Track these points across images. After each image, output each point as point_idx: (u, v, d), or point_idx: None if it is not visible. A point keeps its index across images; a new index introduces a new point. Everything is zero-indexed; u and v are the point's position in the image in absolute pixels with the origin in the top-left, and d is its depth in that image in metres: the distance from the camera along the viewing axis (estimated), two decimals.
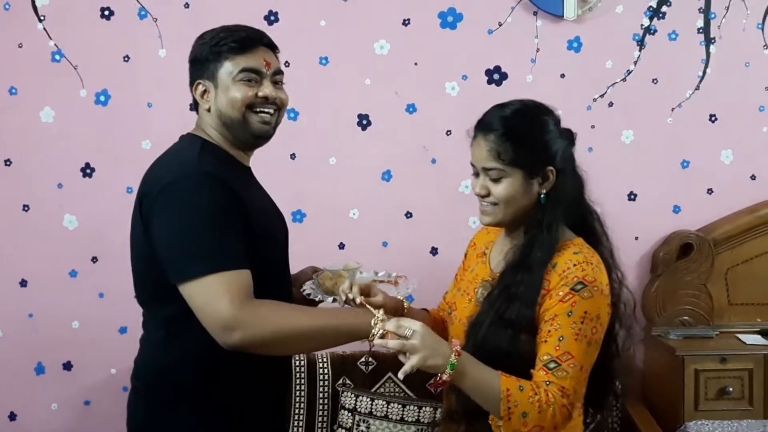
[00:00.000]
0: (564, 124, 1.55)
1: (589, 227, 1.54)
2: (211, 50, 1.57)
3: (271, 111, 1.60)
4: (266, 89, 1.58)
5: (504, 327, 1.44)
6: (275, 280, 1.62)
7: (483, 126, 1.49)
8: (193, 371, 1.55)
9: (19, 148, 2.56)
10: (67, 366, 2.63)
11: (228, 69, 1.56)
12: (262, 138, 1.63)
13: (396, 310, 1.58)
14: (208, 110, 1.60)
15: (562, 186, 1.47)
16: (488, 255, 1.63)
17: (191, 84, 1.62)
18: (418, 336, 1.33)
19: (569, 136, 1.51)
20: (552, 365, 1.39)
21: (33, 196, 2.57)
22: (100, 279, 2.58)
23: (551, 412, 1.36)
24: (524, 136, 1.46)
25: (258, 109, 1.58)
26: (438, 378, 1.35)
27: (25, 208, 2.57)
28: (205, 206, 1.48)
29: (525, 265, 1.45)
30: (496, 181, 1.46)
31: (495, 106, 1.52)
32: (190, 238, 1.47)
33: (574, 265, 1.42)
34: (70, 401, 2.64)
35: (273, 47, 1.64)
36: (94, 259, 2.60)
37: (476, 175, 1.51)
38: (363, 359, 2.52)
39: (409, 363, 1.33)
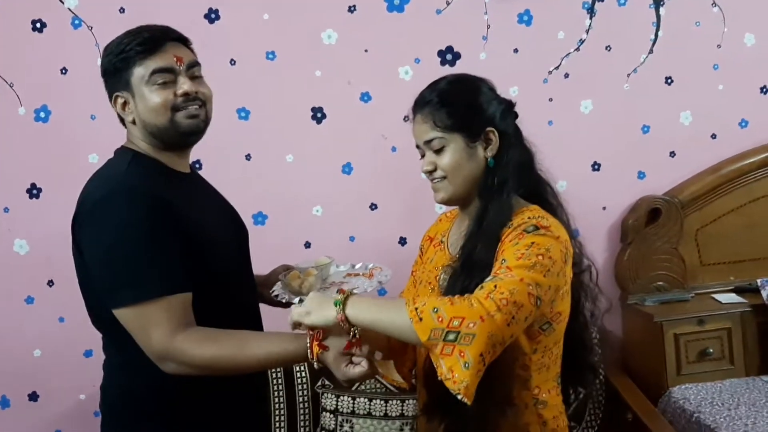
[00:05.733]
0: (522, 99, 1.53)
1: (543, 198, 1.50)
2: (119, 59, 1.50)
3: (196, 106, 1.52)
4: (184, 86, 1.50)
5: None
6: (228, 289, 1.55)
7: (417, 103, 1.49)
8: (156, 393, 1.48)
9: None
10: (33, 396, 2.52)
11: (139, 74, 1.49)
12: (192, 134, 1.54)
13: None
14: (133, 122, 1.53)
15: (507, 150, 1.45)
16: (446, 242, 1.58)
17: (110, 99, 1.55)
18: (306, 298, 1.37)
19: (507, 102, 1.50)
20: (487, 279, 1.30)
21: None
22: (58, 303, 2.47)
23: (469, 302, 1.24)
24: (457, 100, 1.45)
25: (181, 107, 1.50)
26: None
27: None
28: (133, 226, 1.41)
29: (482, 231, 1.41)
30: (439, 152, 1.45)
31: (429, 84, 1.52)
32: (119, 263, 1.40)
33: (529, 218, 1.38)
34: None
35: (183, 40, 1.56)
36: (50, 283, 2.49)
37: (423, 156, 1.49)
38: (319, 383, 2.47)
39: (295, 311, 1.35)
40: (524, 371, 1.39)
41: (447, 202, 1.50)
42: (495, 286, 1.26)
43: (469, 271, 1.38)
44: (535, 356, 1.39)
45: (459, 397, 1.21)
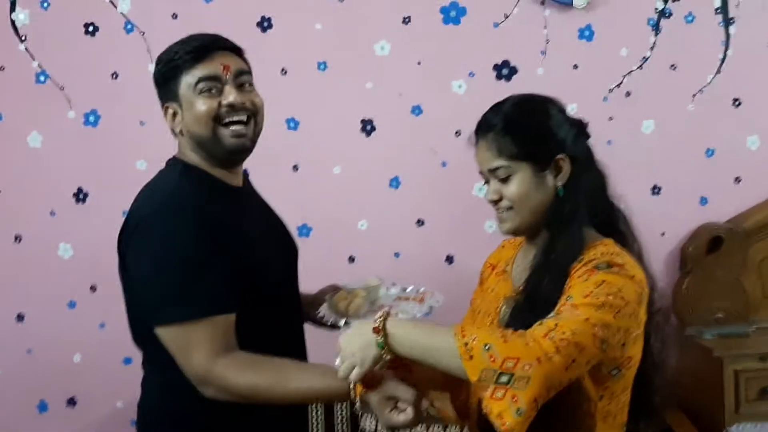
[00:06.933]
0: (580, 117, 1.41)
1: (615, 228, 1.39)
2: (168, 68, 1.47)
3: (243, 119, 1.47)
4: (230, 96, 1.45)
5: None
6: (273, 310, 1.49)
7: (480, 127, 1.38)
8: (194, 415, 1.43)
9: (7, 175, 2.44)
10: (71, 402, 2.51)
11: (186, 83, 1.45)
12: (237, 153, 1.50)
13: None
14: (181, 133, 1.49)
15: (579, 176, 1.34)
16: (509, 271, 1.48)
17: (162, 108, 1.51)
18: (343, 338, 1.28)
19: (579, 125, 1.39)
20: (549, 316, 1.21)
21: (25, 226, 2.46)
22: (100, 308, 2.45)
23: (525, 341, 1.14)
24: (524, 126, 1.35)
25: (227, 121, 1.45)
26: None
27: (17, 239, 2.45)
28: (181, 241, 1.36)
29: (549, 264, 1.31)
30: (505, 181, 1.34)
31: (492, 106, 1.41)
32: (163, 279, 1.36)
33: (603, 254, 1.28)
34: None
35: (234, 49, 1.51)
36: (93, 288, 2.48)
37: (487, 182, 1.39)
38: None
39: (343, 366, 1.26)
40: (589, 419, 1.27)
41: (513, 233, 1.41)
42: (556, 325, 1.17)
43: (533, 305, 1.29)
44: (601, 403, 1.28)
45: None
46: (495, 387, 1.13)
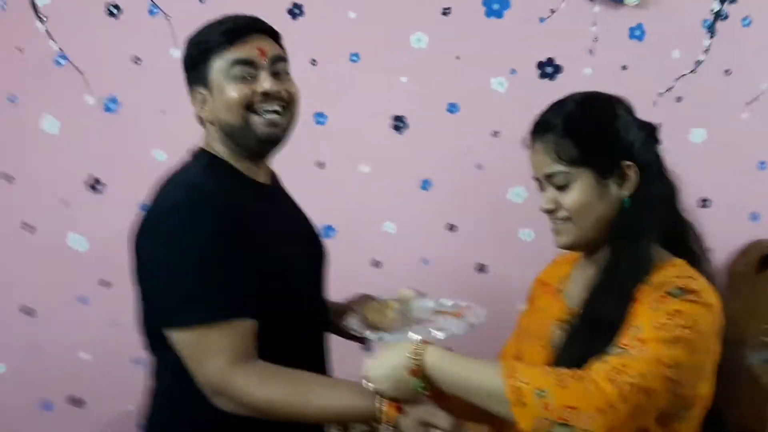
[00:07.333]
0: (650, 120, 1.27)
1: (686, 246, 1.25)
2: (199, 50, 1.36)
3: (278, 109, 1.35)
4: (265, 83, 1.33)
5: None
6: (297, 316, 1.37)
7: (538, 127, 1.24)
8: (204, 427, 1.31)
9: (19, 161, 2.32)
10: (78, 402, 2.39)
11: (218, 67, 1.34)
12: (269, 143, 1.38)
13: None
14: (210, 121, 1.37)
15: (647, 186, 1.20)
16: (563, 290, 1.34)
17: (189, 92, 1.40)
18: (374, 368, 1.19)
19: (649, 128, 1.25)
20: (612, 350, 1.07)
21: (35, 214, 2.33)
22: (111, 306, 2.32)
23: (585, 386, 1.02)
24: (587, 128, 1.21)
25: (260, 109, 1.34)
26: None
27: (27, 227, 2.34)
28: (200, 238, 1.24)
29: (612, 285, 1.17)
30: (563, 188, 1.21)
31: (552, 104, 1.26)
32: (179, 279, 1.24)
33: (676, 277, 1.13)
34: None
35: (271, 33, 1.39)
36: (105, 284, 2.36)
37: (542, 189, 1.25)
38: None
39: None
40: None
41: (570, 248, 1.27)
42: (623, 366, 1.03)
43: (591, 331, 1.15)
44: None
45: None
46: None
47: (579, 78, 2.32)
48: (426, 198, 2.40)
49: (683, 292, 1.10)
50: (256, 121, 1.34)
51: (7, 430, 2.37)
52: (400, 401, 1.18)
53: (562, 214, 1.22)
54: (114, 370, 2.35)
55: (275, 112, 1.35)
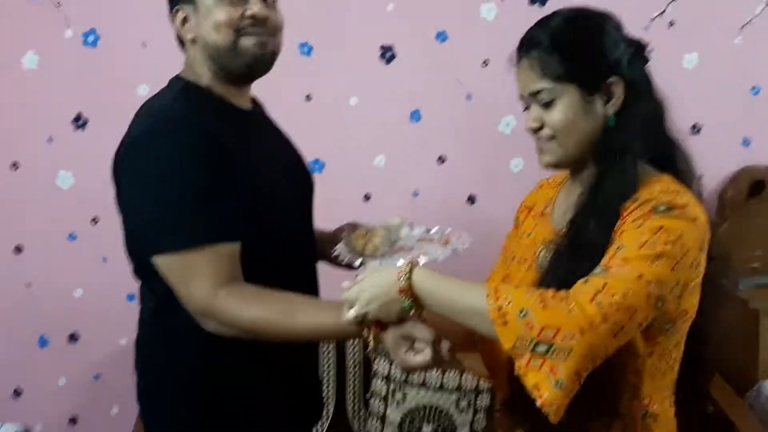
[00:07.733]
0: (640, 38, 1.24)
1: (674, 165, 1.23)
2: None
3: (265, 35, 1.33)
4: (254, 7, 1.31)
5: None
6: (283, 245, 1.38)
7: (523, 44, 1.22)
8: (194, 357, 1.35)
9: (1, 98, 2.28)
10: (73, 338, 2.42)
11: None
12: (256, 66, 1.36)
13: None
14: (192, 41, 1.34)
15: (634, 104, 1.18)
16: (549, 213, 1.33)
17: (170, 14, 1.37)
18: (358, 286, 1.20)
19: (637, 45, 1.22)
20: (596, 270, 1.08)
21: (21, 153, 2.31)
22: (102, 242, 2.32)
23: (567, 306, 1.03)
24: (573, 43, 1.18)
25: (247, 31, 1.32)
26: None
27: (14, 166, 2.31)
28: (178, 163, 1.23)
29: (597, 203, 1.16)
30: (547, 106, 1.19)
31: (538, 21, 1.24)
32: (160, 204, 1.24)
33: (662, 192, 1.13)
34: (78, 375, 2.43)
35: None
36: (95, 220, 2.35)
37: (527, 108, 1.23)
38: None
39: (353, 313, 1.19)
40: (635, 377, 1.15)
41: (555, 166, 1.25)
42: (604, 285, 1.03)
43: (576, 251, 1.14)
44: (650, 360, 1.15)
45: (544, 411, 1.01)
46: (531, 356, 1.02)
47: (570, 3, 2.25)
48: (416, 130, 2.37)
49: (669, 208, 1.09)
50: (246, 43, 1.32)
51: (4, 368, 2.40)
52: (384, 322, 1.18)
53: (546, 132, 1.20)
54: (107, 306, 2.37)
55: (262, 34, 1.33)
